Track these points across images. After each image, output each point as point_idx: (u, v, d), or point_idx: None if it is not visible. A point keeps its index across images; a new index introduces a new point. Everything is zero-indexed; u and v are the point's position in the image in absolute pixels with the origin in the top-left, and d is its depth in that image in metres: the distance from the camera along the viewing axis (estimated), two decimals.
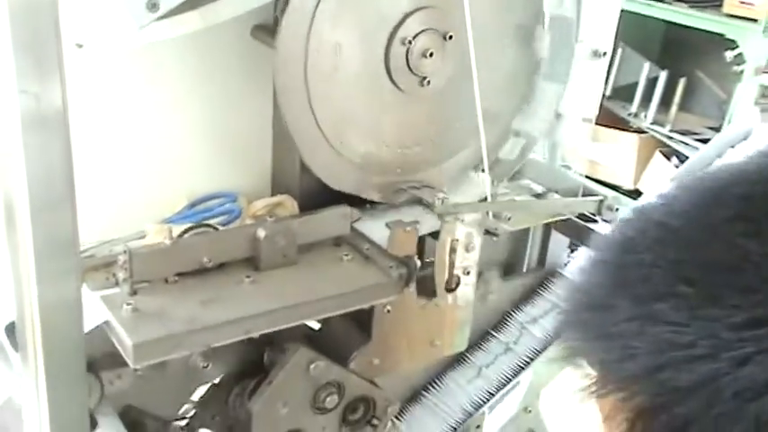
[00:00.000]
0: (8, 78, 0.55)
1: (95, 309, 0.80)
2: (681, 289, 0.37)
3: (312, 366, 0.94)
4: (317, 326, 1.05)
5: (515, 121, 1.12)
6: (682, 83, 3.09)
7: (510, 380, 1.20)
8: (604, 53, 1.09)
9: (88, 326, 0.79)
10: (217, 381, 1.01)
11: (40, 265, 0.59)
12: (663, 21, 3.14)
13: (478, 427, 1.36)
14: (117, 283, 0.83)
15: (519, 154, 1.12)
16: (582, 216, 1.21)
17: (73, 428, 0.60)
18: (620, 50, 3.25)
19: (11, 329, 0.69)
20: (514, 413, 1.25)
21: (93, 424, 0.81)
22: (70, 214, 0.61)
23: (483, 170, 1.04)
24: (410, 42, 0.94)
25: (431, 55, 0.95)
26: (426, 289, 1.05)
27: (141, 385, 0.90)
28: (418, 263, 0.96)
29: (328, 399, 0.97)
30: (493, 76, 1.02)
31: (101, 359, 0.86)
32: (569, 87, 1.12)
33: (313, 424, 0.98)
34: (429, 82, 0.97)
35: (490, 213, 1.07)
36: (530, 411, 1.29)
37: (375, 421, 1.04)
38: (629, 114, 3.27)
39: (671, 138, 3.12)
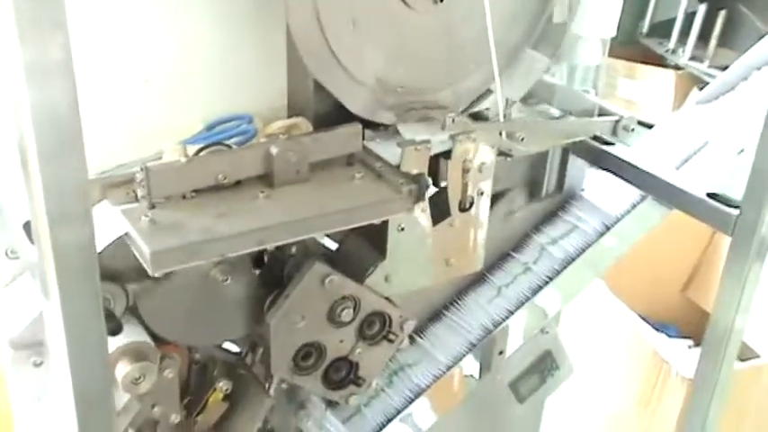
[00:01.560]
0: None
1: (117, 224, 0.84)
2: None
3: (327, 281, 0.98)
4: (333, 246, 1.09)
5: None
6: (721, 16, 3.01)
7: (529, 299, 1.22)
8: None
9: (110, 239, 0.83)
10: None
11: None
12: None
13: (501, 352, 1.39)
14: (136, 199, 0.87)
15: (568, 11, 1.11)
16: (599, 140, 1.22)
17: (88, 327, 0.63)
18: None
19: (28, 227, 0.73)
20: (532, 335, 1.27)
21: (119, 329, 0.86)
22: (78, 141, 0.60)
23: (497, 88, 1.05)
24: None
25: None
26: (440, 209, 1.08)
27: (165, 298, 0.94)
28: (429, 180, 0.98)
29: (344, 313, 1.01)
30: None
31: (126, 272, 0.91)
32: (586, 7, 1.12)
33: (331, 337, 1.02)
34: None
35: (503, 134, 1.08)
36: (547, 333, 1.32)
37: (392, 336, 1.07)
38: (667, 51, 3.20)
39: (709, 74, 3.05)
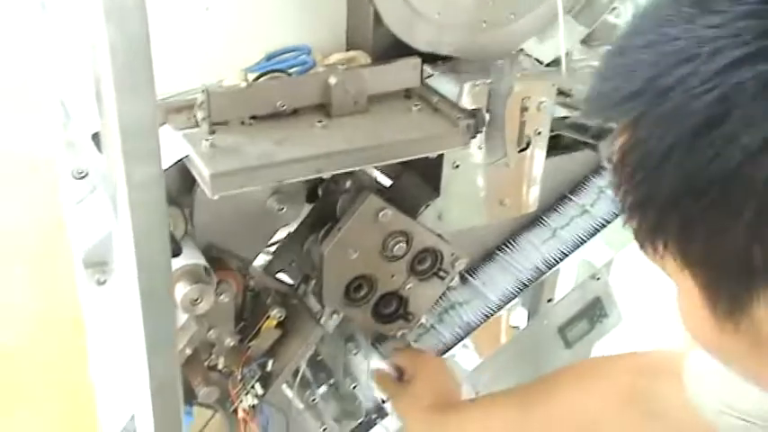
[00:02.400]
0: None
1: (177, 147, 0.86)
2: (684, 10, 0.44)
3: (381, 214, 0.98)
4: (388, 182, 1.10)
5: None
6: None
7: (585, 241, 1.21)
8: None
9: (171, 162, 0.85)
10: (293, 229, 1.07)
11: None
12: None
13: (549, 300, 1.39)
14: (197, 124, 0.89)
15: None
16: None
17: (156, 241, 0.65)
18: None
19: (97, 137, 0.75)
20: (582, 280, 1.27)
21: (178, 251, 0.88)
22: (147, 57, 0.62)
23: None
24: None
25: None
26: (497, 148, 1.07)
27: (222, 225, 0.97)
28: (487, 116, 0.98)
29: (397, 247, 1.01)
30: None
31: (186, 196, 0.93)
32: None
33: (382, 270, 1.03)
34: None
35: (564, 72, 1.07)
36: (598, 279, 1.31)
37: (442, 274, 1.08)
38: None
39: None
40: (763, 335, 0.48)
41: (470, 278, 1.22)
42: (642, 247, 0.51)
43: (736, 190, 0.43)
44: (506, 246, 1.22)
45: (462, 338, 1.19)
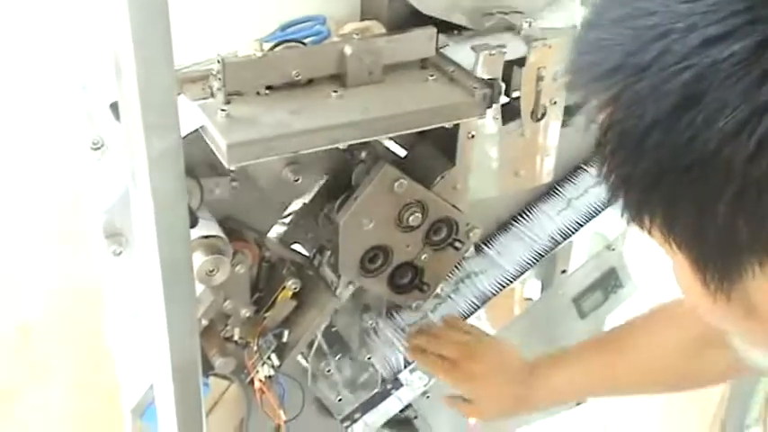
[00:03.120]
0: None
1: (193, 117, 0.86)
2: None
3: (396, 184, 0.98)
4: (403, 153, 1.09)
5: None
6: None
7: (600, 212, 1.20)
8: None
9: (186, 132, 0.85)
10: (308, 200, 1.07)
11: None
12: None
13: (563, 271, 1.39)
14: (212, 94, 0.88)
15: None
16: None
17: (175, 210, 0.65)
18: None
19: (115, 106, 0.75)
20: (597, 251, 1.27)
21: (194, 222, 0.88)
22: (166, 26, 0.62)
23: None
24: None
25: None
26: (512, 117, 1.07)
27: (237, 195, 0.97)
28: (503, 85, 0.97)
29: (412, 217, 1.01)
30: None
31: (200, 167, 0.93)
32: None
33: (398, 241, 1.03)
34: None
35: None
36: (613, 249, 1.31)
37: (457, 244, 1.08)
38: None
39: None
40: (755, 303, 0.48)
41: (486, 248, 1.21)
42: (629, 223, 0.51)
43: (716, 171, 0.42)
44: (521, 216, 1.22)
45: (478, 308, 1.19)
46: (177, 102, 0.61)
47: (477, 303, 1.20)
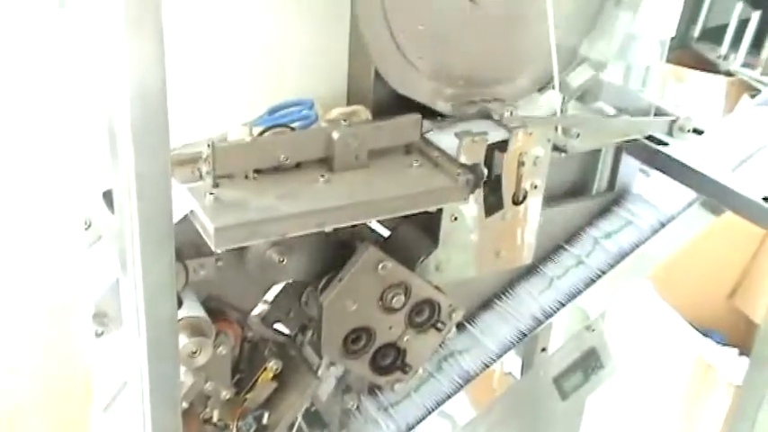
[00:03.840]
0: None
1: (181, 200, 0.87)
2: None
3: (380, 266, 0.99)
4: (386, 234, 1.10)
5: (583, 47, 1.13)
6: None
7: (581, 292, 1.22)
8: None
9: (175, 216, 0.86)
10: (292, 280, 1.07)
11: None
12: None
13: (544, 350, 1.39)
14: (201, 177, 0.90)
15: (586, 79, 1.13)
16: (654, 139, 1.22)
17: (163, 296, 0.66)
18: None
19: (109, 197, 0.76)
20: (577, 330, 1.28)
21: (179, 304, 0.88)
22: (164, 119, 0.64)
23: (553, 87, 1.06)
24: None
25: None
26: (494, 201, 1.09)
27: (222, 276, 0.97)
28: (485, 171, 0.99)
29: (395, 299, 1.02)
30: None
31: (186, 249, 0.93)
32: (644, 7, 1.12)
33: (380, 322, 1.04)
34: None
35: (559, 129, 1.09)
36: (593, 330, 1.32)
37: (440, 325, 1.08)
38: (718, 57, 3.16)
39: (761, 81, 3.01)
40: None
41: (469, 326, 1.22)
42: None
43: None
44: (504, 295, 1.23)
45: (461, 387, 1.19)
46: (171, 190, 0.62)
47: (460, 382, 1.20)
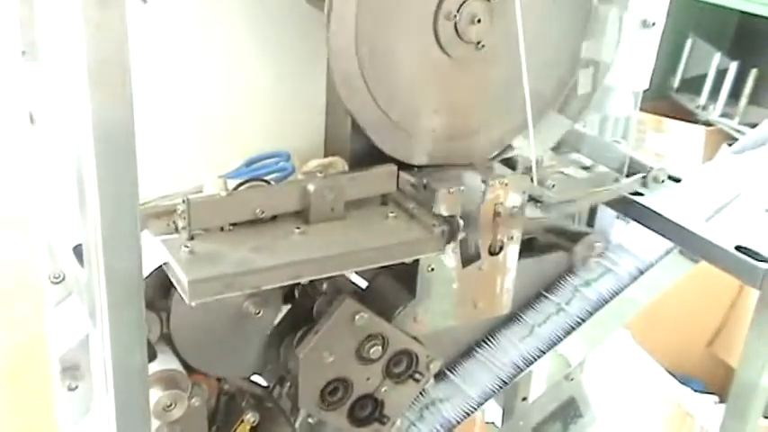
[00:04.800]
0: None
1: (156, 253, 0.87)
2: None
3: (357, 317, 0.99)
4: (364, 285, 1.11)
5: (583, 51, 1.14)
6: (753, 74, 3.03)
7: (561, 339, 1.22)
8: (653, 23, 1.11)
9: (150, 268, 0.86)
10: (268, 332, 1.07)
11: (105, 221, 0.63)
12: (737, 11, 3.07)
13: (524, 399, 1.39)
14: (176, 230, 0.90)
15: (592, 83, 1.13)
16: None
17: (131, 350, 0.66)
18: (689, 41, 3.22)
19: (79, 251, 0.76)
20: (556, 381, 1.28)
21: (153, 356, 0.88)
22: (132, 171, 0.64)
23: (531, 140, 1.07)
24: (455, 16, 0.98)
25: (479, 21, 0.99)
26: (470, 252, 1.09)
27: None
28: (461, 222, 1.00)
29: (372, 350, 1.02)
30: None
31: (161, 300, 0.93)
32: (618, 59, 1.14)
33: (358, 373, 1.04)
34: (483, 45, 1.01)
35: (535, 181, 1.10)
36: (572, 379, 1.32)
37: (418, 376, 1.08)
38: (697, 107, 3.22)
39: (739, 131, 3.06)
40: None
41: (450, 375, 1.22)
42: None
43: None
44: (486, 342, 1.24)
45: None
46: (141, 247, 0.62)
47: (441, 431, 1.19)
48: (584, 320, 1.24)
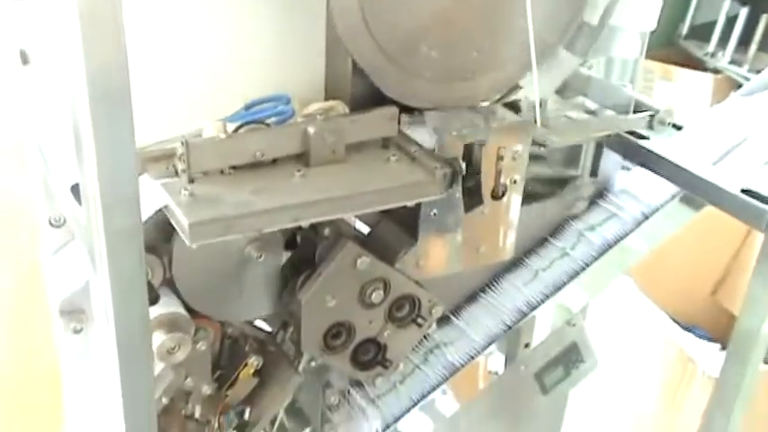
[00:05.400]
0: None
1: (156, 196, 0.87)
2: None
3: (359, 261, 0.99)
4: (366, 230, 1.10)
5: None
6: (764, 20, 2.98)
7: (565, 284, 1.22)
8: None
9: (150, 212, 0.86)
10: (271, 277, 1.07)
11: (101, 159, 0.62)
12: None
13: (527, 345, 1.40)
14: (176, 173, 0.89)
15: (600, 17, 1.11)
16: (634, 133, 1.22)
17: (132, 291, 0.66)
18: None
19: (77, 190, 0.75)
20: (558, 326, 1.28)
21: (156, 299, 0.88)
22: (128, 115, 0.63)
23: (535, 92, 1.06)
24: None
25: None
26: (473, 196, 1.09)
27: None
28: (463, 165, 0.99)
29: (374, 294, 1.02)
30: None
31: (164, 244, 0.93)
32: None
33: (360, 317, 1.04)
34: None
35: (539, 122, 1.09)
36: (574, 325, 1.32)
37: (420, 320, 1.09)
38: (706, 54, 3.18)
39: (748, 78, 3.02)
40: None
41: (455, 319, 1.22)
42: None
43: None
44: (489, 287, 1.24)
45: (447, 379, 1.19)
46: (138, 184, 0.62)
47: (446, 374, 1.20)
48: (588, 265, 1.24)
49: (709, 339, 1.76)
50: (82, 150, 0.60)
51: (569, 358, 1.33)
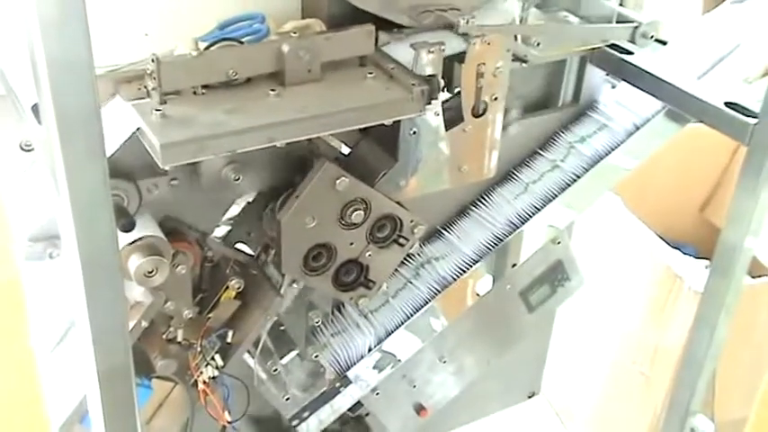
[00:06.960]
0: None
1: (129, 119, 0.85)
2: None
3: (338, 182, 0.98)
4: (346, 151, 1.09)
5: None
6: None
7: (556, 196, 1.21)
8: None
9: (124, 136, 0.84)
10: (251, 199, 1.07)
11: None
12: None
13: (514, 265, 1.40)
14: (148, 94, 0.88)
15: None
16: (618, 48, 1.20)
17: (96, 208, 0.64)
18: None
19: (36, 110, 0.74)
20: (543, 244, 1.28)
21: (132, 225, 0.87)
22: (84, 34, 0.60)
23: None
24: None
25: None
26: (454, 114, 1.07)
27: (177, 195, 0.96)
28: (442, 82, 0.97)
29: (354, 215, 1.01)
30: None
31: (140, 170, 0.92)
32: None
33: (341, 238, 1.03)
34: None
35: (519, 38, 1.07)
36: (558, 243, 1.32)
37: (402, 240, 1.08)
38: None
39: None
40: None
41: (445, 233, 1.22)
42: None
43: None
44: (480, 201, 1.23)
45: (438, 293, 1.20)
46: (97, 102, 0.60)
47: (437, 288, 1.21)
48: (578, 177, 1.23)
49: (698, 257, 1.77)
50: (36, 66, 0.58)
51: (555, 276, 1.34)
